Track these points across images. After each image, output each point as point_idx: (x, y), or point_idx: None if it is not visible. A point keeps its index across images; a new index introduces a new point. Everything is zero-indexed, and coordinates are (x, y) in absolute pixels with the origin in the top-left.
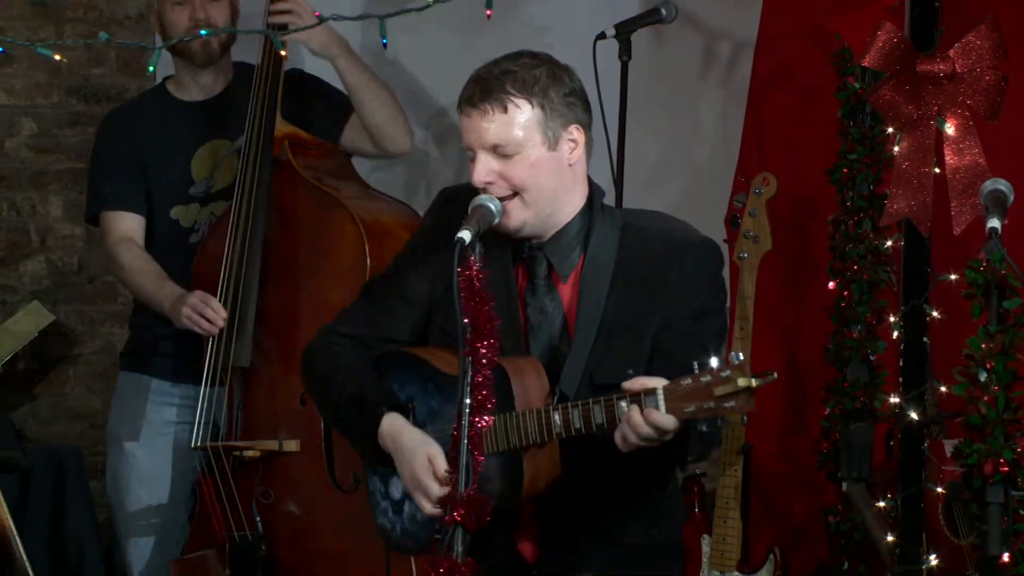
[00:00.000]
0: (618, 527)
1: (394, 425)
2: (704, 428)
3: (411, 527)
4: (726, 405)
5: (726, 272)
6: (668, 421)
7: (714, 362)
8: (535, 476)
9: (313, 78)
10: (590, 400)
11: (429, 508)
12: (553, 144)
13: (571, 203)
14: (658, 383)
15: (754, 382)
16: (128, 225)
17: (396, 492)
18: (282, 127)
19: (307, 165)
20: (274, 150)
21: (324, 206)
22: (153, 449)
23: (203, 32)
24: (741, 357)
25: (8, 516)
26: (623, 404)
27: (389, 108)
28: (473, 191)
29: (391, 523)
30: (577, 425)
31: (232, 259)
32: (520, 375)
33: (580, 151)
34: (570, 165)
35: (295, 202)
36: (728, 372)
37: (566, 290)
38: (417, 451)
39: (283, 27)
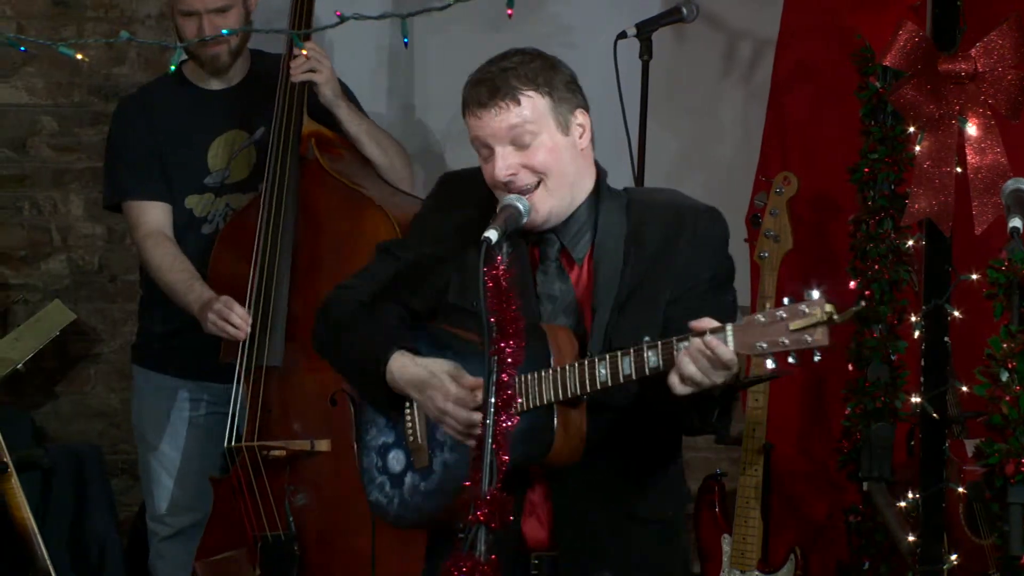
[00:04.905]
0: (632, 501)
1: (402, 361)
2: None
3: (412, 499)
4: (804, 338)
5: (746, 270)
6: (727, 352)
7: (787, 300)
8: (563, 441)
9: (342, 85)
10: (644, 344)
11: (470, 417)
12: (566, 129)
13: (584, 188)
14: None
15: (836, 316)
16: (155, 216)
17: (396, 466)
18: (308, 125)
19: (334, 163)
20: (301, 148)
21: (356, 204)
22: (180, 446)
23: (224, 31)
24: (817, 295)
25: (30, 514)
26: (684, 345)
27: (388, 154)
28: (475, 175)
29: (387, 497)
30: (627, 371)
31: (261, 259)
32: (555, 336)
33: (588, 135)
34: (581, 150)
35: (324, 200)
36: (806, 307)
37: (581, 272)
38: (436, 373)
39: (308, 23)
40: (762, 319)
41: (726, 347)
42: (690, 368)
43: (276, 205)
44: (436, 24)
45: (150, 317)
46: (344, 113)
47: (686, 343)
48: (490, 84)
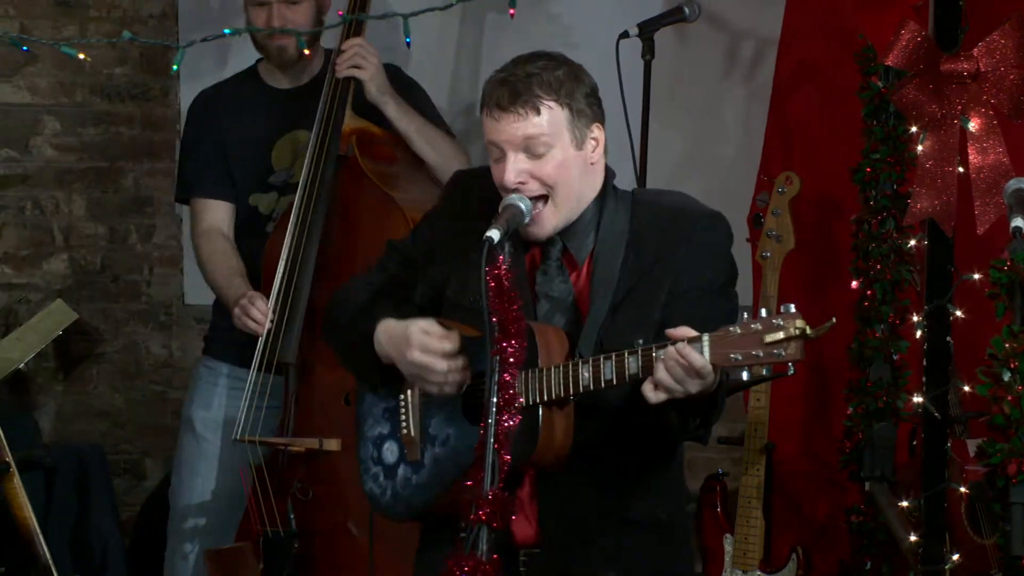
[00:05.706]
0: (624, 504)
1: (386, 324)
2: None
3: (403, 491)
4: (775, 352)
5: (747, 269)
6: (699, 360)
7: (764, 312)
8: (547, 443)
9: (407, 81)
10: (625, 350)
11: (443, 366)
12: (580, 143)
13: (590, 194)
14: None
15: (809, 330)
16: (214, 214)
17: (390, 457)
18: (352, 122)
19: (373, 162)
20: (341, 145)
21: (382, 205)
22: (220, 434)
23: (227, 31)
24: (793, 308)
25: (32, 514)
26: (662, 353)
27: (441, 152)
28: (486, 173)
29: (380, 488)
30: (608, 376)
31: (288, 254)
32: (544, 336)
33: (601, 149)
34: (592, 163)
35: (356, 200)
36: (780, 320)
37: (581, 273)
38: (410, 328)
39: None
40: (737, 330)
41: (699, 356)
42: (664, 376)
43: (307, 201)
44: (436, 24)
45: (218, 309)
46: (392, 111)
47: (664, 351)
48: (512, 88)
